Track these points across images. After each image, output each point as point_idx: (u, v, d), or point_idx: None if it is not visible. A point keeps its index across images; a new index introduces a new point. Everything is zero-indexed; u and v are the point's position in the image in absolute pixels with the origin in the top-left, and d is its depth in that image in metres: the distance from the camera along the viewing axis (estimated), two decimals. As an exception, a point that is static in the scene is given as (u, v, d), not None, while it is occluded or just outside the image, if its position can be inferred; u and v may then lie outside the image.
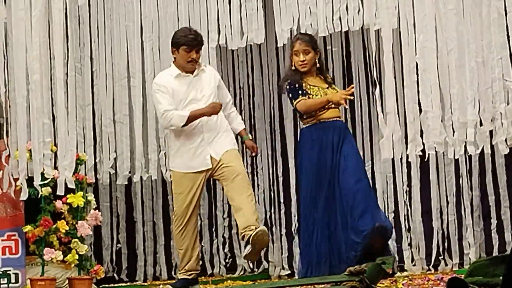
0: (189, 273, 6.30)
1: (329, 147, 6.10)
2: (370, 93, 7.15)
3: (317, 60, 6.28)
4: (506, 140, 5.84)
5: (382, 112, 5.98)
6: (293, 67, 6.29)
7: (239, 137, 6.58)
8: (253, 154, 6.61)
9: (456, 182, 6.95)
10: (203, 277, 7.23)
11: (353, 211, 5.89)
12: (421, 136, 5.91)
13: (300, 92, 6.23)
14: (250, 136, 6.62)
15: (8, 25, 5.98)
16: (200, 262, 6.51)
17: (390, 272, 5.04)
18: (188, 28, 6.56)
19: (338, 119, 6.26)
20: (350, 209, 5.90)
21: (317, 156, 6.12)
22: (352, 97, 6.27)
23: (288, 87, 6.29)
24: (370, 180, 7.24)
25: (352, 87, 6.22)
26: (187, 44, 6.25)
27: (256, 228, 5.96)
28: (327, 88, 6.25)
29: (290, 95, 6.28)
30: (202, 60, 6.51)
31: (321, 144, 6.12)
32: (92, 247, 7.30)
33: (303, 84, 6.24)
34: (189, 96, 6.27)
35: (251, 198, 6.15)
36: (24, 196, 5.95)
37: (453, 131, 5.85)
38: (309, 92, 6.21)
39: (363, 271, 4.38)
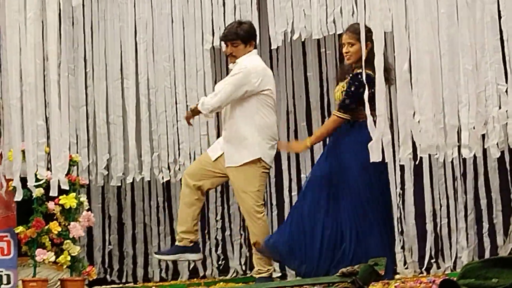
0: (180, 239, 6.34)
1: (327, 149, 6.04)
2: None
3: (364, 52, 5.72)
4: (497, 144, 5.85)
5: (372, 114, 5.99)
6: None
7: None
8: None
9: (450, 185, 6.96)
10: (195, 279, 7.23)
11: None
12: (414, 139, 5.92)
13: None
14: None
15: (2, 27, 5.97)
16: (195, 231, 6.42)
17: (383, 274, 5.04)
18: (231, 23, 6.53)
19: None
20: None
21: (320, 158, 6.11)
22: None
23: None
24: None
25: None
26: (221, 39, 6.40)
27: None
28: (337, 84, 6.11)
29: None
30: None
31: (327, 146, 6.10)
32: (85, 248, 7.30)
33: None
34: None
35: (252, 226, 6.21)
36: (18, 197, 5.94)
37: (446, 134, 5.86)
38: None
39: (355, 272, 4.38)
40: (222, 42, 6.36)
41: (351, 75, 5.93)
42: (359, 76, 5.71)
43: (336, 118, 5.89)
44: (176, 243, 6.39)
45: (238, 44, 6.23)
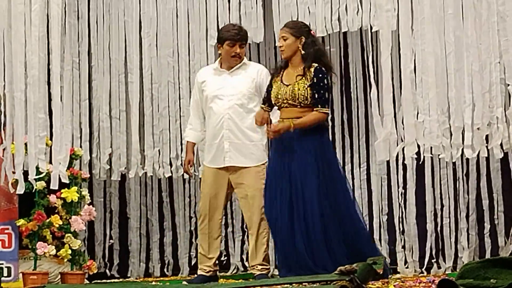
0: (207, 270, 6.29)
1: (279, 149, 5.81)
2: (367, 94, 7.14)
3: (300, 47, 5.82)
4: (501, 144, 5.84)
5: (379, 114, 5.98)
6: None
7: None
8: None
9: (452, 185, 6.95)
10: (195, 275, 7.21)
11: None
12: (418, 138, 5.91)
13: (266, 92, 6.00)
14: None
15: (7, 19, 5.98)
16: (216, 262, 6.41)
17: (381, 273, 5.04)
18: (232, 24, 6.54)
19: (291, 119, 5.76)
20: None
21: (274, 159, 5.86)
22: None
23: None
24: (365, 182, 7.26)
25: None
26: (230, 38, 6.20)
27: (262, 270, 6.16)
28: (288, 85, 5.78)
29: None
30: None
31: (276, 145, 5.85)
32: (86, 242, 7.30)
33: (274, 78, 5.93)
34: (217, 92, 6.21)
35: (265, 233, 6.12)
36: (21, 190, 5.94)
37: (451, 135, 5.85)
38: (273, 87, 5.90)
39: (353, 271, 4.37)
40: (229, 41, 6.17)
41: (313, 69, 5.77)
42: (323, 69, 5.77)
43: (323, 114, 5.74)
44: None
45: (244, 46, 6.30)
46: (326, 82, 5.76)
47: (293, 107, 5.77)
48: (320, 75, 5.76)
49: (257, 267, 6.17)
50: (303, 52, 5.81)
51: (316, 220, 5.60)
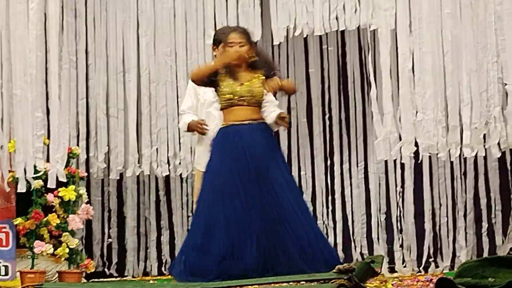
0: None
1: (241, 153, 5.62)
2: (365, 93, 7.15)
3: (253, 53, 5.79)
4: (499, 143, 5.85)
5: (379, 112, 5.98)
6: None
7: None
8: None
9: (450, 184, 6.96)
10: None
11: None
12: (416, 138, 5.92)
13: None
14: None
15: (5, 17, 5.98)
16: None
17: (379, 271, 5.03)
18: (228, 26, 6.47)
19: (251, 121, 5.69)
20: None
21: (229, 163, 5.63)
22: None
23: None
24: (363, 181, 7.27)
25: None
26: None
27: None
28: (243, 84, 5.70)
29: None
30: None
31: (233, 150, 5.65)
32: (84, 241, 7.30)
33: (221, 78, 5.78)
34: (215, 97, 6.12)
35: None
36: (22, 188, 5.95)
37: (448, 134, 5.86)
38: (222, 85, 5.75)
39: (352, 269, 4.38)
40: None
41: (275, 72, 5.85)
42: None
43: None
44: None
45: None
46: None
47: (250, 105, 5.70)
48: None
49: None
50: (256, 57, 5.79)
51: (303, 220, 5.60)
